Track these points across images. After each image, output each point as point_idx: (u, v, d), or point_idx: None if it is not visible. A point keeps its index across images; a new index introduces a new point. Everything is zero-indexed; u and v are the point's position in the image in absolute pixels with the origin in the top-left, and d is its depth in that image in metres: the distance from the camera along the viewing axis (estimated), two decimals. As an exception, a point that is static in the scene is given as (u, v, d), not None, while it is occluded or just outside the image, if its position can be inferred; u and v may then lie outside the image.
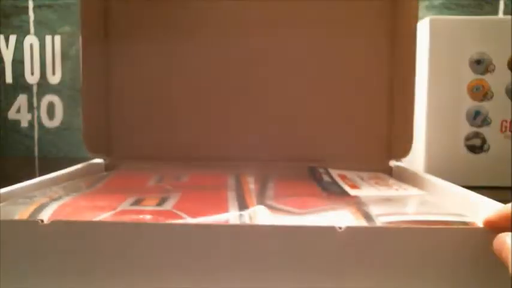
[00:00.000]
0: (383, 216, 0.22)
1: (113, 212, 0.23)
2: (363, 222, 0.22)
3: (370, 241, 0.20)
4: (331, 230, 0.20)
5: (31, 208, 0.23)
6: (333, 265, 0.20)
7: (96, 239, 0.20)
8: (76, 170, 0.37)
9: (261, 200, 0.27)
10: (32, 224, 0.21)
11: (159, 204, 0.25)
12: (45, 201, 0.25)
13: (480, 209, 0.24)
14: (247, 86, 0.42)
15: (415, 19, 0.39)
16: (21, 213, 0.23)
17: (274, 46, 0.43)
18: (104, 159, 0.42)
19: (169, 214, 0.23)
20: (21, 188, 0.28)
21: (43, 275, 0.21)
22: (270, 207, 0.24)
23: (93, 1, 0.42)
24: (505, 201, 0.21)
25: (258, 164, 0.39)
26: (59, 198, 0.26)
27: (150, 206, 0.25)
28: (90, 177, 0.36)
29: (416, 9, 0.39)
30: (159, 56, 0.43)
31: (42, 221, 0.21)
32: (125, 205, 0.24)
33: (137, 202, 0.25)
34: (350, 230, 0.20)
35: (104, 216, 0.22)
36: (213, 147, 0.42)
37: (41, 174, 0.32)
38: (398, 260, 0.20)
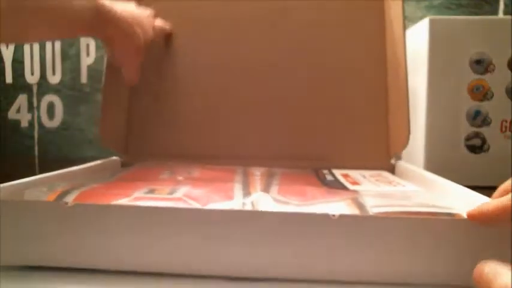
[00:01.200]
0: (376, 207, 0.24)
1: (128, 198, 0.25)
2: (356, 212, 0.23)
3: (361, 228, 0.22)
4: (325, 217, 0.22)
5: (55, 194, 0.26)
6: (327, 249, 0.22)
7: (113, 220, 0.23)
8: (95, 166, 0.39)
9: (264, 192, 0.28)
10: (57, 206, 0.23)
11: (170, 193, 0.27)
12: (68, 188, 0.27)
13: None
14: (253, 88, 0.45)
15: (402, 19, 0.40)
16: (48, 197, 0.25)
17: (277, 48, 0.44)
18: (121, 157, 0.44)
19: (179, 201, 0.25)
20: (42, 179, 0.31)
21: (65, 250, 0.23)
22: (272, 199, 0.26)
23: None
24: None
25: (264, 161, 0.41)
26: (80, 186, 0.28)
27: (162, 194, 0.27)
28: (108, 171, 0.39)
29: (402, 8, 0.40)
30: (170, 59, 0.45)
31: (66, 203, 0.23)
32: (140, 193, 0.26)
33: (151, 191, 0.27)
34: (343, 217, 0.22)
35: (120, 201, 0.25)
36: (222, 146, 0.44)
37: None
38: (386, 246, 0.22)
